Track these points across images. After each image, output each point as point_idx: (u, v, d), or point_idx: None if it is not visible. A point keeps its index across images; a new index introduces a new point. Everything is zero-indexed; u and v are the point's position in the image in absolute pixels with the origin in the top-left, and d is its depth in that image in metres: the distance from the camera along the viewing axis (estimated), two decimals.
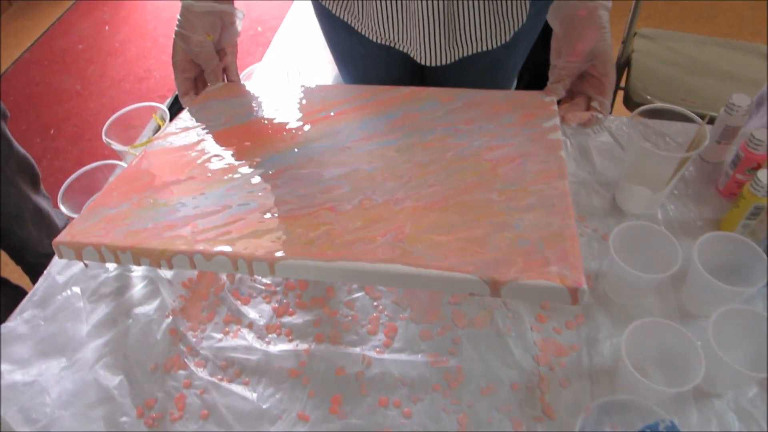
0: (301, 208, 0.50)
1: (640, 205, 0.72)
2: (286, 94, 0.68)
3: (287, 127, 0.63)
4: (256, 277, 0.69)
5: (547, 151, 0.54)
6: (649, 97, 1.19)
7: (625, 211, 0.74)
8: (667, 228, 0.65)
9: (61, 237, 0.49)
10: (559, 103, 0.64)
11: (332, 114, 0.64)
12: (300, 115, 0.65)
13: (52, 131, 2.14)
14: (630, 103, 1.21)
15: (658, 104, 0.67)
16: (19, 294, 0.75)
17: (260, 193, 0.53)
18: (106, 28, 2.64)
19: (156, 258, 0.48)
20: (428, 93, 0.65)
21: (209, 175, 0.56)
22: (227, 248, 0.46)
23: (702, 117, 0.66)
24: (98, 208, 0.52)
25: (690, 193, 0.76)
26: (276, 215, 0.50)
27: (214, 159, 0.59)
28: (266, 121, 0.64)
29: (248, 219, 0.49)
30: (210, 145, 0.61)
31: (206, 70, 0.70)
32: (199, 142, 0.62)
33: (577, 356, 0.63)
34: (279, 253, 0.45)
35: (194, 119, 0.65)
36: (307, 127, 0.62)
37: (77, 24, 2.67)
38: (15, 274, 1.36)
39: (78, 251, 0.49)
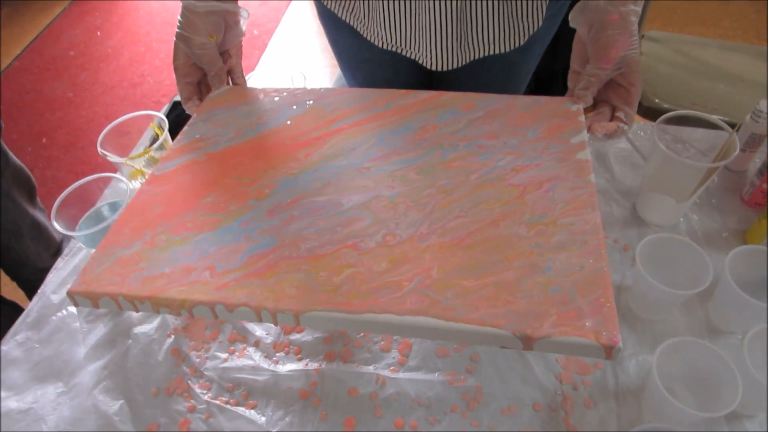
0: (322, 245, 0.48)
1: (663, 215, 0.70)
2: (295, 101, 0.65)
3: (300, 141, 0.60)
4: None
5: (576, 174, 0.52)
6: (657, 101, 1.17)
7: (647, 222, 0.72)
8: (690, 239, 0.62)
9: (76, 286, 0.47)
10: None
11: (346, 125, 0.60)
12: (312, 126, 0.61)
13: (44, 140, 2.10)
14: (639, 108, 1.19)
15: (683, 111, 0.65)
16: (17, 312, 0.72)
17: (278, 227, 0.50)
18: (98, 33, 2.61)
19: (176, 308, 0.45)
20: (447, 99, 0.62)
21: (222, 204, 0.53)
22: (250, 299, 0.44)
23: (722, 123, 0.64)
24: (111, 249, 0.49)
25: (713, 203, 0.74)
26: (297, 254, 0.47)
27: (226, 184, 0.55)
28: (277, 136, 0.61)
29: (269, 260, 0.47)
30: (220, 166, 0.58)
31: (210, 73, 0.67)
32: (208, 162, 0.58)
33: (602, 375, 0.60)
34: (304, 305, 0.44)
35: (200, 133, 0.62)
36: (320, 142, 0.59)
37: (68, 30, 2.63)
38: (7, 287, 1.32)
39: (94, 300, 0.47)
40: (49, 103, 2.26)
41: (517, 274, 0.44)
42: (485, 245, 0.46)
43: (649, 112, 1.17)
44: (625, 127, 0.58)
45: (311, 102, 0.64)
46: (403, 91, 0.64)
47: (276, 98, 0.66)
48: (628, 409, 0.58)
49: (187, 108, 0.67)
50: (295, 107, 0.64)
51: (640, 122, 0.85)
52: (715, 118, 0.64)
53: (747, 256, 0.59)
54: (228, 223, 0.51)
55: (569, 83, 0.61)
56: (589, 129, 0.57)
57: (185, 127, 0.63)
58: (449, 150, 0.56)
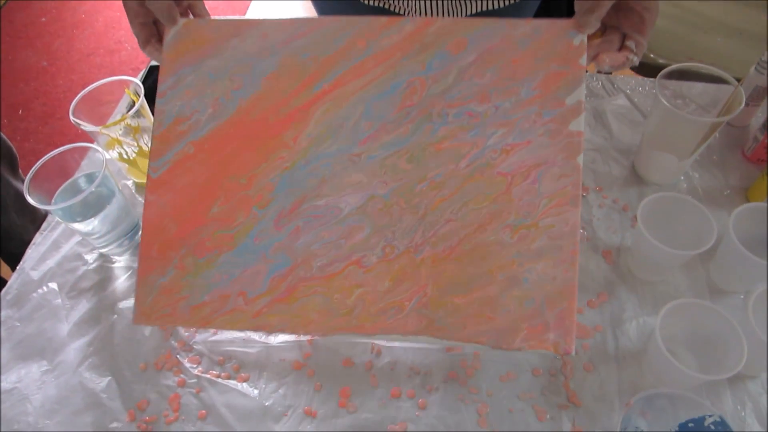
0: (331, 263, 0.53)
1: (664, 173, 0.68)
2: (264, 45, 0.58)
3: (283, 115, 0.56)
4: None
5: (565, 155, 0.51)
6: (652, 56, 1.13)
7: (646, 180, 0.70)
8: (691, 197, 0.60)
9: (139, 319, 0.54)
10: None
11: (328, 86, 0.56)
12: (291, 90, 0.57)
13: (20, 111, 2.04)
14: None
15: (686, 64, 0.62)
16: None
17: (288, 243, 0.54)
18: None
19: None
20: (434, 35, 0.56)
21: (230, 216, 0.55)
22: (284, 326, 0.53)
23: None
24: (150, 277, 0.55)
25: (714, 160, 0.72)
26: (311, 275, 0.53)
27: (225, 187, 0.55)
28: (258, 109, 0.57)
29: (288, 282, 0.53)
30: (212, 162, 0.56)
31: (157, 13, 0.57)
32: (197, 156, 0.56)
33: (602, 338, 0.59)
34: (327, 330, 0.52)
35: (177, 111, 0.57)
36: (305, 117, 0.55)
37: None
38: None
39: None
40: (23, 73, 2.18)
41: (499, 288, 0.51)
42: (473, 255, 0.52)
43: (645, 68, 1.13)
44: (635, 59, 0.53)
45: (283, 49, 0.58)
46: (383, 20, 0.57)
47: (242, 43, 0.59)
48: (629, 373, 0.57)
49: (147, 52, 0.60)
50: (267, 58, 0.58)
51: (637, 78, 0.82)
52: (719, 71, 0.61)
53: (750, 215, 0.58)
54: (242, 240, 0.55)
55: (576, 8, 0.53)
56: (597, 58, 0.53)
57: (157, 103, 0.58)
58: (438, 123, 0.54)
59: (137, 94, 0.70)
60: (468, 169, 0.53)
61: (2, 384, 0.60)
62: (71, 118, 0.66)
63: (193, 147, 0.56)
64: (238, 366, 0.60)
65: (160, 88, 0.58)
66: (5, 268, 1.29)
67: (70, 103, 0.67)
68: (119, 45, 2.27)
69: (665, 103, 0.60)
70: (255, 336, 0.62)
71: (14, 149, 1.18)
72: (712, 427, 0.44)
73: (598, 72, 0.96)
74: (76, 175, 0.68)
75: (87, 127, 0.67)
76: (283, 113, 0.56)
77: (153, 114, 0.58)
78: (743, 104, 0.58)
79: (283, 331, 0.53)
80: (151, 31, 0.59)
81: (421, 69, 0.55)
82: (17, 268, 0.70)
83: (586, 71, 0.56)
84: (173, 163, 0.56)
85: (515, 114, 0.53)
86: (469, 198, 0.52)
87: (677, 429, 0.47)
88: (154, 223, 0.56)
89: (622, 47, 0.53)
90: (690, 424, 0.46)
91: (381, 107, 0.55)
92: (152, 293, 0.55)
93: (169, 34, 0.60)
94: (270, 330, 0.53)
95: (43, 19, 2.41)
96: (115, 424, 0.57)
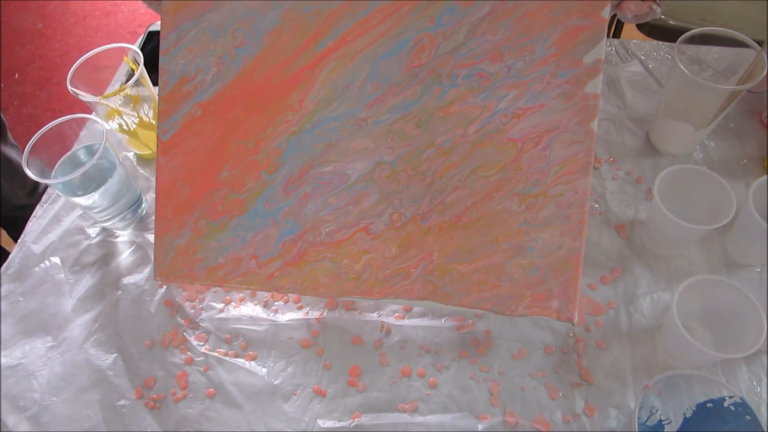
0: (339, 229, 0.53)
1: (680, 143, 0.65)
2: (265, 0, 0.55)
3: (288, 76, 0.54)
4: None
5: (579, 120, 0.49)
6: (663, 17, 1.09)
7: (661, 151, 0.68)
8: (707, 168, 0.58)
9: (160, 278, 0.56)
10: None
11: (332, 44, 0.54)
12: (295, 49, 0.54)
13: (16, 75, 2.00)
14: (644, 26, 1.12)
15: (706, 28, 0.59)
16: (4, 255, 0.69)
17: (297, 209, 0.54)
18: None
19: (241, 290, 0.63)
20: None
21: (239, 180, 0.54)
22: (295, 288, 0.54)
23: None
24: (167, 238, 0.56)
25: (731, 128, 0.69)
26: (320, 240, 0.53)
27: (234, 151, 0.54)
28: (262, 69, 0.54)
29: (299, 247, 0.54)
30: (219, 125, 0.55)
31: None
32: (204, 118, 0.54)
33: (615, 315, 0.58)
34: (337, 293, 0.53)
35: (181, 71, 0.55)
36: (310, 78, 0.53)
37: None
38: None
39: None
40: (18, 36, 2.13)
41: (504, 257, 0.50)
42: (479, 224, 0.51)
43: (656, 31, 1.10)
44: (658, 10, 0.51)
45: (285, 2, 0.55)
46: None
47: None
48: (643, 350, 0.56)
49: (149, 4, 0.58)
50: (268, 12, 0.55)
51: (651, 42, 0.79)
52: (742, 35, 0.58)
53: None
54: (252, 205, 0.55)
55: None
56: (618, 6, 0.51)
57: (161, 61, 0.56)
58: (447, 85, 0.51)
59: (136, 62, 0.67)
60: (477, 134, 0.51)
61: (7, 360, 0.60)
62: (69, 88, 0.64)
63: (200, 109, 0.55)
64: (246, 344, 0.59)
65: (163, 44, 0.56)
66: (5, 237, 1.29)
67: (67, 68, 0.65)
68: (115, 7, 2.21)
69: (684, 69, 0.57)
70: (262, 314, 0.61)
71: (1, 115, 1.16)
72: (732, 408, 0.44)
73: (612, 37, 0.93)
74: (76, 146, 0.66)
75: (86, 97, 0.64)
76: (287, 74, 0.54)
77: (155, 76, 0.56)
78: (766, 70, 0.56)
79: (294, 292, 0.54)
80: None
81: (430, 24, 0.52)
82: (18, 241, 0.69)
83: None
84: (182, 125, 0.55)
85: (528, 75, 0.50)
86: (477, 165, 0.51)
87: (695, 409, 0.46)
88: (167, 186, 0.56)
89: None
90: (708, 405, 0.45)
91: (388, 67, 0.52)
92: (170, 254, 0.56)
93: None
94: (282, 291, 0.54)
95: None
96: (122, 402, 0.57)
